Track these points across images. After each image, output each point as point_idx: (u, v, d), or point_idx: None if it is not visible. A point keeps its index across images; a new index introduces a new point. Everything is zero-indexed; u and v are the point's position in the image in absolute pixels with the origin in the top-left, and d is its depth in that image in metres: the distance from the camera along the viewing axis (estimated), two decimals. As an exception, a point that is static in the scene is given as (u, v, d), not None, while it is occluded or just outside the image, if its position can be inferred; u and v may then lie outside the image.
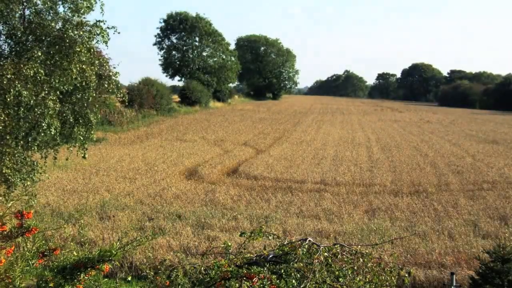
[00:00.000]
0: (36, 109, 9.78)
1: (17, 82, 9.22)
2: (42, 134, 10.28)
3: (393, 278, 5.30)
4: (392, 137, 38.43)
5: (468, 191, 20.04)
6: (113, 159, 26.25)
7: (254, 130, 41.44)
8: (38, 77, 9.73)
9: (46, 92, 9.95)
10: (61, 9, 11.13)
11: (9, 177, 10.10)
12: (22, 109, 9.57)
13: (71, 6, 11.04)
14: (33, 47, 10.13)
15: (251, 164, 24.57)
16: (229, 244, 5.45)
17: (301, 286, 4.55)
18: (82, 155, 12.08)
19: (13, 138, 9.84)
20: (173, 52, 70.24)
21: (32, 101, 9.57)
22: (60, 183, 19.73)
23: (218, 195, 18.50)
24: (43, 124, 10.02)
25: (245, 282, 4.38)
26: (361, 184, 20.84)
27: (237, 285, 4.37)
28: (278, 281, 4.45)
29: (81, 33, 10.81)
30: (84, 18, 11.13)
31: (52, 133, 10.28)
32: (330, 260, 5.05)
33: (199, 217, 15.51)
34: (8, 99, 9.15)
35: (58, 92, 10.39)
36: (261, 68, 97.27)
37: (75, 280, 4.16)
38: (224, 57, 73.04)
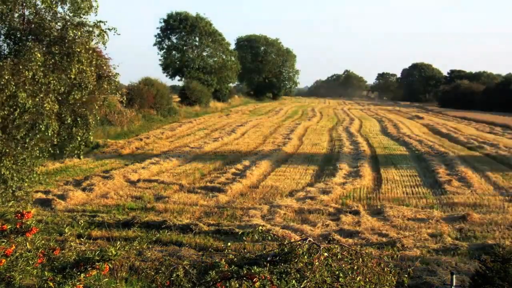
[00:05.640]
0: (34, 110, 9.75)
1: (13, 82, 9.19)
2: (40, 135, 10.24)
3: (393, 278, 5.30)
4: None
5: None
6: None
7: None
8: (37, 78, 9.70)
9: (45, 93, 9.92)
10: (60, 9, 11.13)
11: (8, 178, 10.07)
12: (19, 110, 9.54)
13: (71, 6, 11.03)
14: (32, 47, 10.10)
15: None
16: (229, 244, 5.46)
17: (301, 286, 4.55)
18: (78, 155, 12.03)
19: (11, 139, 9.81)
20: (173, 52, 70.13)
21: (30, 102, 9.53)
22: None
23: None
24: (41, 126, 9.99)
25: (245, 282, 4.39)
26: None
27: (237, 285, 4.37)
28: (278, 281, 4.44)
29: (80, 33, 10.79)
30: (84, 18, 11.12)
31: (50, 134, 10.25)
32: (330, 260, 5.04)
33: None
34: (3, 100, 9.13)
35: (56, 93, 10.35)
36: (261, 68, 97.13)
37: (75, 280, 4.16)
38: (224, 57, 72.95)
